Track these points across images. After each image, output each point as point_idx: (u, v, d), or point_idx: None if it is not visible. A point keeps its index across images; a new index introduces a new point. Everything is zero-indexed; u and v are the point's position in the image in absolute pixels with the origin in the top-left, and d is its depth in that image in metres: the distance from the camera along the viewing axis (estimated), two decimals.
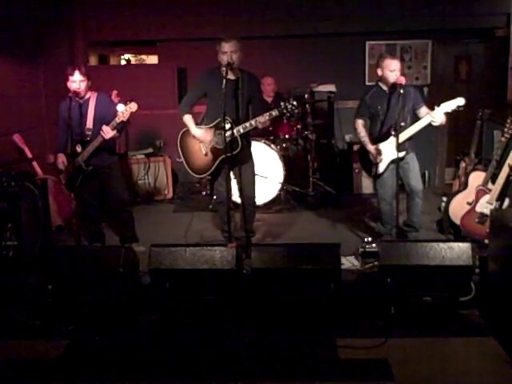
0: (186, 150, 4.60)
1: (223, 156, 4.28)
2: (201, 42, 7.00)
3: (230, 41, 4.23)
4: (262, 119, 4.26)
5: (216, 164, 4.46)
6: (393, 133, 4.46)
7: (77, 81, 4.46)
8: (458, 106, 4.37)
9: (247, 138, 4.52)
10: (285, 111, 4.25)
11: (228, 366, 3.29)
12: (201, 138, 4.44)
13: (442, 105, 4.39)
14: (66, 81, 4.49)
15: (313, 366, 3.25)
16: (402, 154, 4.46)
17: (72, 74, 4.44)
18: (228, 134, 4.16)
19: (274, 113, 4.25)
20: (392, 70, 4.45)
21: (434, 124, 4.44)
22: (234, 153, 4.31)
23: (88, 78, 4.54)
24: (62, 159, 4.69)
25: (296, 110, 4.28)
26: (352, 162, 6.78)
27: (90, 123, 4.57)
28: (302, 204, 6.33)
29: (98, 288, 3.75)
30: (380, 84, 4.64)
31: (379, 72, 4.57)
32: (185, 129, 4.56)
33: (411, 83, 5.21)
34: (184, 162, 4.63)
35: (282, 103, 4.26)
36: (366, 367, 3.22)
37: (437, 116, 4.38)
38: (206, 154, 4.49)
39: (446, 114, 4.41)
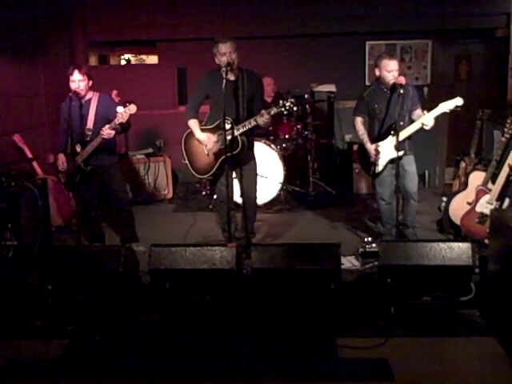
0: (189, 151, 4.63)
1: (224, 156, 4.29)
2: (201, 41, 7.00)
3: (227, 41, 4.24)
4: (261, 118, 4.27)
5: (218, 164, 4.47)
6: (392, 132, 4.47)
7: (76, 80, 4.46)
8: (456, 106, 4.37)
9: (250, 138, 4.52)
10: (283, 109, 4.24)
11: (228, 366, 3.29)
12: (205, 141, 4.46)
13: (441, 105, 4.39)
14: (67, 81, 4.50)
15: (313, 366, 3.25)
16: (400, 154, 4.46)
17: (71, 74, 4.45)
18: (228, 134, 4.17)
19: (273, 111, 4.25)
20: (389, 70, 4.45)
21: (425, 128, 4.45)
22: (234, 153, 4.31)
23: (89, 78, 4.54)
24: (62, 160, 4.69)
25: (295, 108, 4.29)
26: (352, 162, 6.79)
27: (90, 123, 4.57)
28: (302, 204, 6.33)
29: (98, 288, 3.75)
30: (379, 82, 4.64)
31: (377, 72, 4.57)
32: (188, 131, 4.57)
33: (411, 83, 5.21)
34: (188, 163, 4.64)
35: (280, 101, 4.27)
36: (366, 367, 3.22)
37: (426, 121, 4.40)
38: (207, 155, 4.50)
39: (445, 113, 4.42)
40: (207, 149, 4.48)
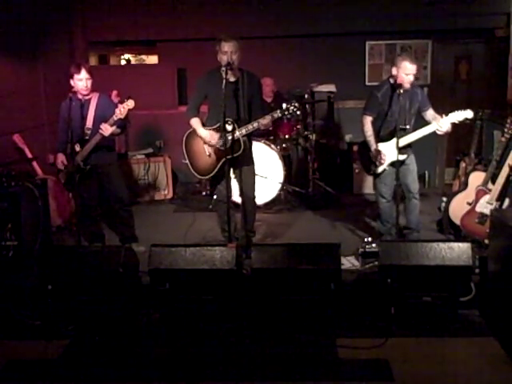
0: (190, 151, 4.60)
1: (225, 157, 4.28)
2: (201, 41, 7.00)
3: (230, 41, 4.20)
4: (264, 121, 4.26)
5: (219, 165, 4.45)
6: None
7: (83, 79, 4.44)
8: (466, 119, 4.36)
9: (249, 138, 4.51)
10: (286, 113, 4.23)
11: (228, 366, 3.29)
12: (207, 138, 4.42)
13: (451, 115, 4.36)
14: (69, 80, 4.47)
15: (313, 366, 3.26)
16: (403, 157, 4.45)
17: (78, 73, 4.42)
18: (230, 135, 4.17)
19: (276, 114, 4.24)
20: (407, 73, 4.39)
21: (438, 133, 4.42)
22: (236, 155, 4.30)
23: (92, 77, 4.54)
24: (61, 159, 4.69)
25: (298, 112, 4.28)
26: (352, 162, 6.79)
27: (90, 123, 4.56)
28: (302, 204, 6.34)
29: (98, 288, 3.75)
30: (391, 82, 4.56)
31: (394, 71, 4.48)
32: (189, 130, 4.56)
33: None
34: (188, 163, 4.64)
35: (284, 105, 4.24)
36: (366, 367, 3.22)
37: (443, 125, 4.36)
38: (209, 155, 4.49)
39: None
40: (211, 144, 4.42)
